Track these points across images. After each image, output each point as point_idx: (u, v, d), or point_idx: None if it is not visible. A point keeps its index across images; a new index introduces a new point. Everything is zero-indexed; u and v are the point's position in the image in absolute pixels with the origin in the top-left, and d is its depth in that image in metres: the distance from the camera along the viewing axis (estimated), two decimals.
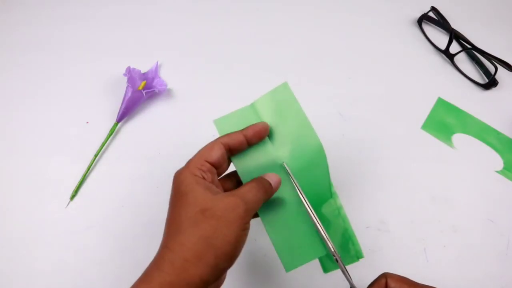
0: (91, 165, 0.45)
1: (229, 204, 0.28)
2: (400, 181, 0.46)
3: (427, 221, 0.43)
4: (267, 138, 0.34)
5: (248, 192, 0.29)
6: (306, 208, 0.33)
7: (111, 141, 0.48)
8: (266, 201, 0.31)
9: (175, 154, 0.46)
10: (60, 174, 0.45)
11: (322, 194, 0.34)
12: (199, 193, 0.28)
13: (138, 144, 0.47)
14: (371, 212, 0.43)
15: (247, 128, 0.32)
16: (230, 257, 0.28)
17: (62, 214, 0.42)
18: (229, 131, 0.33)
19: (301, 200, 0.33)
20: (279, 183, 0.32)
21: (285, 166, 0.33)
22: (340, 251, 0.36)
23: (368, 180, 0.46)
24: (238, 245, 0.28)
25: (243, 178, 0.33)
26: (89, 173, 0.45)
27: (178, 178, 0.30)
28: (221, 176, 0.34)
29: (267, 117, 0.34)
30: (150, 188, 0.44)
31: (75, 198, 0.44)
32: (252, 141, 0.33)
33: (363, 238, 0.41)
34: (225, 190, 0.33)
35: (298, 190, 0.33)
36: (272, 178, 0.32)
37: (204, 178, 0.30)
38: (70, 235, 0.41)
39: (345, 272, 0.32)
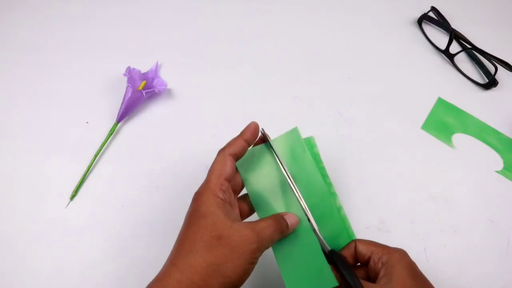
0: (91, 165, 0.45)
1: (245, 237, 0.28)
2: (400, 181, 0.46)
3: (427, 221, 0.43)
4: (275, 161, 0.35)
5: (265, 230, 0.30)
6: (303, 207, 0.33)
7: (111, 141, 0.48)
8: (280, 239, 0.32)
9: (175, 154, 0.47)
10: (60, 174, 0.45)
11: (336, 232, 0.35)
12: (219, 218, 0.29)
13: (138, 144, 0.47)
14: (371, 212, 0.43)
15: (244, 132, 0.34)
16: (235, 286, 0.29)
17: (62, 214, 0.42)
18: (249, 169, 0.34)
19: (311, 223, 0.33)
20: (296, 225, 0.33)
21: (274, 152, 0.35)
22: (341, 251, 0.36)
23: (368, 180, 0.46)
24: (245, 276, 0.29)
25: (253, 199, 0.34)
26: (89, 173, 0.45)
27: (199, 199, 0.30)
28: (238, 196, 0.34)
29: (282, 155, 0.35)
30: (150, 188, 0.44)
31: (75, 198, 0.43)
32: (251, 142, 0.34)
33: (363, 238, 0.41)
34: (241, 211, 0.33)
35: (291, 184, 0.33)
36: (290, 219, 0.32)
37: (225, 199, 0.30)
38: (70, 235, 0.41)
39: (320, 237, 0.33)
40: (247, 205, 0.35)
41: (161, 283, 0.27)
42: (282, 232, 0.31)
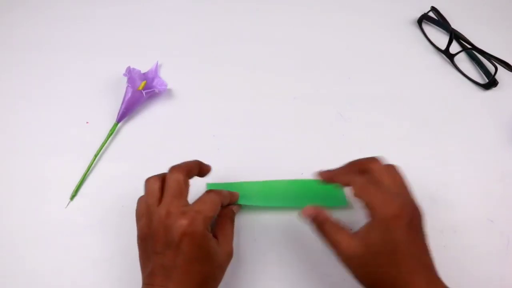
0: (91, 165, 0.45)
1: (227, 254, 0.35)
2: None
3: (427, 221, 0.43)
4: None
5: (231, 237, 0.37)
6: None
7: (111, 141, 0.48)
8: None
9: (175, 154, 0.46)
10: (60, 174, 0.45)
11: None
12: (214, 249, 0.33)
13: (138, 144, 0.47)
14: None
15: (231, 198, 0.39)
16: None
17: (62, 214, 0.42)
18: None
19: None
20: (237, 209, 0.41)
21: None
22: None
23: None
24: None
25: None
26: (89, 173, 0.45)
27: (198, 237, 0.32)
28: None
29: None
30: None
31: (75, 198, 0.44)
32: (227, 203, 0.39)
33: None
34: None
35: None
36: (234, 208, 0.41)
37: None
38: (70, 235, 0.41)
39: None
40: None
41: None
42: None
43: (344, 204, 0.42)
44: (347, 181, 0.34)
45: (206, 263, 0.32)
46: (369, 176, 0.33)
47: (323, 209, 0.34)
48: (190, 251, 0.31)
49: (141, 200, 0.35)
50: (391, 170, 0.34)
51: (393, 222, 0.30)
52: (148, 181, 0.35)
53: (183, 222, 0.31)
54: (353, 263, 0.31)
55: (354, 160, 0.36)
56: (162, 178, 0.34)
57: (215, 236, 0.35)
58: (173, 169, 0.34)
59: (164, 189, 0.34)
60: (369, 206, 0.31)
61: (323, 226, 0.33)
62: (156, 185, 0.34)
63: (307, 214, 0.34)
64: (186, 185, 0.34)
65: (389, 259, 0.30)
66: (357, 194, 0.32)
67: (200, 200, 0.34)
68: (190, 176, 0.35)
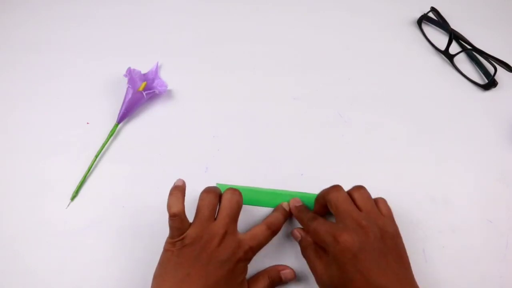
0: (91, 165, 0.45)
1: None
2: (399, 181, 0.46)
3: (426, 221, 0.43)
4: None
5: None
6: None
7: (112, 141, 0.48)
8: None
9: (176, 155, 0.47)
10: (61, 175, 0.45)
11: None
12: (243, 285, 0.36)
13: (139, 145, 0.48)
14: None
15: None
16: None
17: (62, 215, 0.43)
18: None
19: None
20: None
21: None
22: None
23: (367, 181, 0.46)
24: None
25: None
26: (90, 173, 0.45)
27: (242, 268, 0.36)
28: None
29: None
30: (150, 188, 0.44)
31: (76, 199, 0.44)
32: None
33: None
34: None
35: None
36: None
37: None
38: (70, 235, 0.41)
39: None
40: None
41: None
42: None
43: None
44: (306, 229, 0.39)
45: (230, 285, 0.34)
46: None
47: (307, 233, 0.39)
48: (229, 273, 0.34)
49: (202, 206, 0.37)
50: (348, 198, 0.38)
51: (341, 256, 0.33)
52: (208, 193, 0.38)
53: (240, 251, 0.35)
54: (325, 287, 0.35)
55: (319, 194, 0.40)
56: (219, 195, 0.38)
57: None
58: (231, 190, 0.38)
59: (221, 206, 0.37)
60: (324, 246, 0.35)
61: (305, 250, 0.38)
62: (216, 201, 0.37)
63: (295, 236, 0.40)
64: (240, 208, 0.37)
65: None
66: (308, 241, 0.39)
67: (253, 235, 0.37)
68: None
